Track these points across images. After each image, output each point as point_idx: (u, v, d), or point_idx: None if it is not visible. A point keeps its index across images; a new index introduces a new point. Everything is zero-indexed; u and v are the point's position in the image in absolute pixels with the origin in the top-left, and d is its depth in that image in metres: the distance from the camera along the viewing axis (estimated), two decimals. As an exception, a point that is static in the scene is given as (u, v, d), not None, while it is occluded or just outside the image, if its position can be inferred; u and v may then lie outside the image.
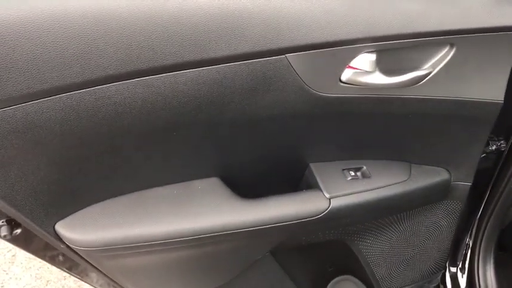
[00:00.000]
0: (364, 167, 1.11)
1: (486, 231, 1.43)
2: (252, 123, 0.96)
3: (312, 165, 1.09)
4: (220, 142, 0.98)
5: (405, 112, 1.03)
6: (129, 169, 0.93)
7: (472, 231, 1.42)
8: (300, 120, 0.99)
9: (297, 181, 1.13)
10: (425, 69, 0.97)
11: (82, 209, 0.93)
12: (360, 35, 0.89)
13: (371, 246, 1.22)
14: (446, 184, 1.18)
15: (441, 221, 1.26)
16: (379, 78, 0.94)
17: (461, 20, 0.94)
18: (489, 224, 1.40)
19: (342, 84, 0.94)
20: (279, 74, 0.89)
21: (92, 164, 0.88)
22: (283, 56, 0.87)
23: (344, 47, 0.90)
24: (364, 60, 0.92)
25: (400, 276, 1.34)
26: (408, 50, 0.94)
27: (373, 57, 0.92)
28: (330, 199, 1.04)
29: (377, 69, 0.94)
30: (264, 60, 0.87)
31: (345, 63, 0.92)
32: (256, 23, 0.84)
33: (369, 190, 1.08)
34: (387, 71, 0.95)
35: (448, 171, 1.18)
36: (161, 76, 0.82)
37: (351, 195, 1.06)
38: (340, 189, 1.06)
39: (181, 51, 0.81)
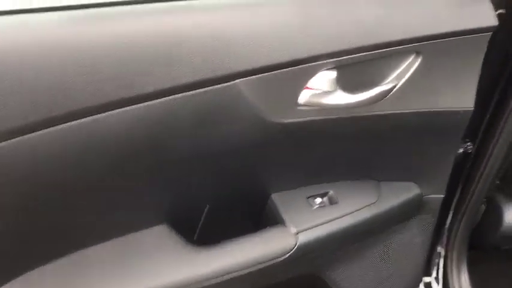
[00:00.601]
0: (331, 192, 1.00)
1: (457, 237, 1.36)
2: (203, 158, 0.83)
3: (274, 196, 0.97)
4: (168, 184, 0.84)
5: (371, 130, 0.92)
6: (56, 229, 0.77)
7: (443, 239, 1.34)
8: (256, 150, 0.87)
9: (258, 215, 1.01)
10: (390, 82, 0.86)
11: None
12: (316, 52, 0.78)
13: (344, 274, 1.11)
14: (417, 199, 1.09)
15: (415, 238, 1.17)
16: (340, 98, 0.83)
17: (426, 25, 0.83)
18: (460, 229, 1.33)
19: (300, 108, 0.82)
20: (229, 102, 0.76)
21: (16, 225, 0.73)
22: (233, 82, 0.74)
23: (299, 67, 0.78)
24: (323, 79, 0.80)
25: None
26: (371, 63, 0.84)
27: (332, 74, 0.80)
28: (296, 234, 0.92)
29: (338, 87, 0.83)
30: (210, 89, 0.74)
31: (302, 85, 0.80)
32: (197, 50, 0.71)
33: (338, 218, 0.97)
34: (349, 89, 0.84)
35: (418, 185, 1.09)
36: (85, 120, 0.68)
37: (319, 227, 0.95)
38: (306, 221, 0.94)
39: (107, 89, 0.67)
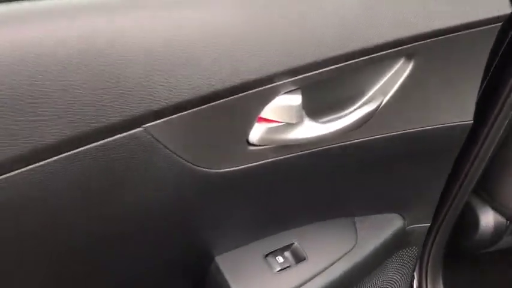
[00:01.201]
0: (295, 243, 0.75)
1: (433, 248, 1.17)
2: (115, 228, 0.55)
3: (219, 259, 0.70)
4: (76, 270, 0.56)
5: (348, 162, 0.67)
6: None
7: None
8: (188, 207, 0.59)
9: (200, 284, 0.74)
10: (372, 100, 0.61)
11: None
12: (272, 69, 0.51)
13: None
14: (399, 233, 0.86)
15: (395, 275, 0.95)
16: (308, 129, 0.57)
17: (418, 22, 0.58)
18: (436, 240, 1.14)
19: (251, 148, 0.56)
20: (139, 154, 0.49)
21: None
22: (140, 128, 0.47)
23: (246, 93, 0.51)
24: (283, 106, 0.54)
25: None
26: (348, 76, 0.58)
27: (296, 98, 0.54)
28: None
29: (304, 115, 0.56)
30: (109, 142, 0.46)
31: (252, 116, 0.53)
32: (77, 91, 0.43)
33: (307, 281, 0.72)
34: (320, 115, 0.59)
35: (402, 216, 0.86)
36: None
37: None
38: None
39: None
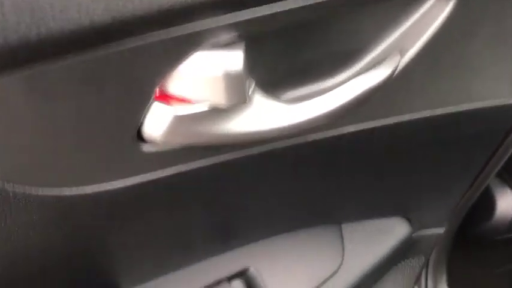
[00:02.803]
0: (250, 268, 0.50)
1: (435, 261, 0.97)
2: None
3: None
4: None
5: (334, 157, 0.42)
6: None
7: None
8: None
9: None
10: (383, 62, 0.35)
11: None
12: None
13: None
14: (403, 242, 0.62)
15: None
16: (262, 115, 0.31)
17: None
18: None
19: (145, 149, 0.30)
20: None
21: None
22: None
23: (134, 42, 0.24)
24: (209, 73, 0.27)
25: None
26: (338, 18, 0.31)
27: (235, 58, 0.27)
28: None
29: (252, 89, 0.30)
30: None
31: (145, 89, 0.27)
32: None
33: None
34: (284, 87, 0.32)
35: (408, 220, 0.61)
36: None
37: None
38: None
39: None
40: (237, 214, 0.45)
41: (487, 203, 1.00)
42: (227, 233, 0.47)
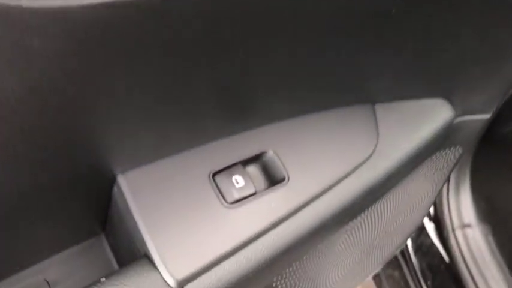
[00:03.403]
0: (270, 152, 0.42)
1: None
2: None
3: (123, 179, 0.38)
4: None
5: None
6: None
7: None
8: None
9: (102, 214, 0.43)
10: None
11: None
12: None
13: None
14: (445, 127, 0.53)
15: (425, 184, 0.63)
16: None
17: None
18: None
19: None
20: None
21: None
22: None
23: None
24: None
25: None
26: None
27: None
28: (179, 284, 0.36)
29: None
30: None
31: None
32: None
33: (290, 216, 0.40)
34: None
35: (449, 102, 0.52)
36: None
37: (243, 251, 0.38)
38: (208, 246, 0.37)
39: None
40: (252, 79, 0.36)
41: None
42: (241, 105, 0.38)
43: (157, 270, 0.35)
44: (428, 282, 1.04)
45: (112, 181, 0.39)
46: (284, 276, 0.54)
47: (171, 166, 0.39)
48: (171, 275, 0.35)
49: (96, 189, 0.39)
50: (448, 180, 0.96)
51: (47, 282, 0.43)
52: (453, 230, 1.00)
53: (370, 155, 0.46)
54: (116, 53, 0.27)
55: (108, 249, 0.46)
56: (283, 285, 0.54)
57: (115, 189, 0.39)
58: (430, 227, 1.02)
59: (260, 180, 0.41)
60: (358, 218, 0.54)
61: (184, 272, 0.36)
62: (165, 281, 0.35)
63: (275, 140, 0.42)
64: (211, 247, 0.37)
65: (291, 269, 0.53)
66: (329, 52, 0.38)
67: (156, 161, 0.38)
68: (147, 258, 0.36)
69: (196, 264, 0.36)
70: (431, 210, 1.03)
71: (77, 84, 0.27)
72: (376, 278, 1.06)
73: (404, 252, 1.02)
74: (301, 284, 0.58)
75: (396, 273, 1.04)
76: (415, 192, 0.63)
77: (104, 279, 0.35)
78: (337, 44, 0.38)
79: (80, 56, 0.26)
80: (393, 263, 1.03)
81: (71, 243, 0.44)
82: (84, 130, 0.32)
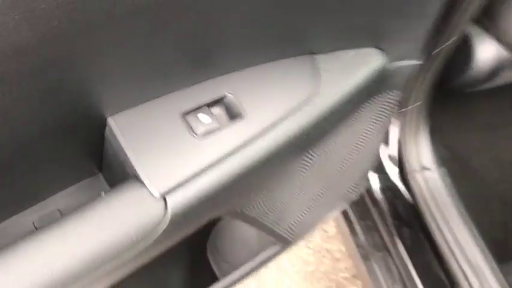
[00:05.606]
0: (228, 94, 0.53)
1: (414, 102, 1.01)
2: None
3: (113, 121, 0.48)
4: None
5: None
6: None
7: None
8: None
9: (96, 154, 0.53)
10: None
11: None
12: None
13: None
14: (378, 72, 0.64)
15: (368, 125, 0.74)
16: None
17: None
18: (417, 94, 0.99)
19: None
20: None
21: None
22: None
23: None
24: None
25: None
26: None
27: None
28: (164, 197, 0.47)
29: None
30: None
31: None
32: None
33: (244, 146, 0.51)
34: None
35: (382, 50, 0.62)
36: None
37: (212, 170, 0.49)
38: (183, 166, 0.48)
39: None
40: (209, 34, 0.46)
41: (466, 51, 1.02)
42: (203, 57, 0.49)
43: (144, 185, 0.46)
44: (395, 222, 1.16)
45: (103, 126, 0.49)
46: (255, 205, 0.65)
47: (150, 109, 0.50)
48: (156, 188, 0.46)
49: (90, 132, 0.50)
50: (404, 127, 1.08)
51: (59, 211, 0.53)
52: (414, 172, 1.11)
53: (314, 95, 0.56)
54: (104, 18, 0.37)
55: (106, 185, 0.56)
56: (254, 213, 0.66)
57: (107, 130, 0.49)
58: (394, 171, 1.13)
59: (223, 118, 0.52)
60: (314, 154, 0.65)
61: (166, 186, 0.47)
62: (150, 193, 0.46)
63: (234, 86, 0.53)
64: (187, 167, 0.48)
65: (259, 198, 0.65)
66: (271, 11, 0.49)
67: (138, 105, 0.49)
68: (136, 178, 0.47)
69: (175, 180, 0.47)
70: (396, 155, 1.14)
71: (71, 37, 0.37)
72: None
73: (371, 194, 1.13)
74: (270, 213, 0.69)
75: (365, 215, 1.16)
76: (362, 132, 0.74)
77: (103, 193, 0.46)
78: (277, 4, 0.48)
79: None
80: (361, 205, 1.15)
81: (75, 181, 0.55)
82: (79, 81, 0.42)
